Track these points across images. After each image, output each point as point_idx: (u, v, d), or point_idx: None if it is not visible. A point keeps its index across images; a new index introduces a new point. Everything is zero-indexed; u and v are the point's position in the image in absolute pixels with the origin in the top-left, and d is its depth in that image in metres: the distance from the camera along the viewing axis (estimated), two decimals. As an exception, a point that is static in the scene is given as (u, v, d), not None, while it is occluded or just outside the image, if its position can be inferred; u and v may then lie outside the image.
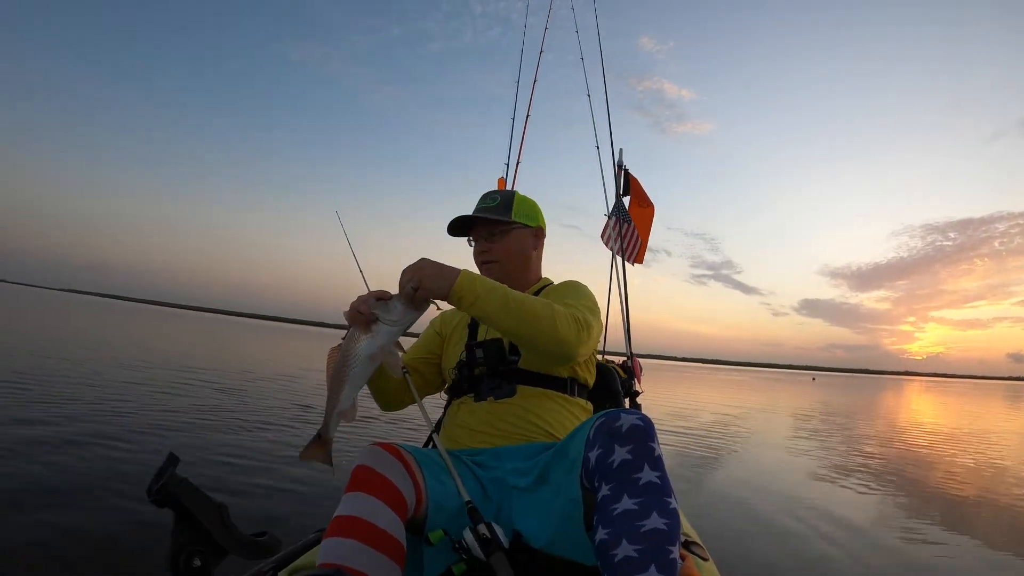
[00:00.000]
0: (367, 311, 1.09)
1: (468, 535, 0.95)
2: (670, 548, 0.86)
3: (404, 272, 1.09)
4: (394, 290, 1.10)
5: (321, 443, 1.11)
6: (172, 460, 1.13)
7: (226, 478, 3.33)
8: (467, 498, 1.02)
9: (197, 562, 1.10)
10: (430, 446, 1.37)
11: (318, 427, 1.13)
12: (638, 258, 3.30)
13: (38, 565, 2.06)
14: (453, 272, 1.09)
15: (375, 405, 1.40)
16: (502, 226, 1.39)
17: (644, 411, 1.19)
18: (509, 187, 3.11)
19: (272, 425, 5.21)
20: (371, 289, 1.16)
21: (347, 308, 1.12)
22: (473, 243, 1.43)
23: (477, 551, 0.93)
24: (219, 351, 15.54)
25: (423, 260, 1.10)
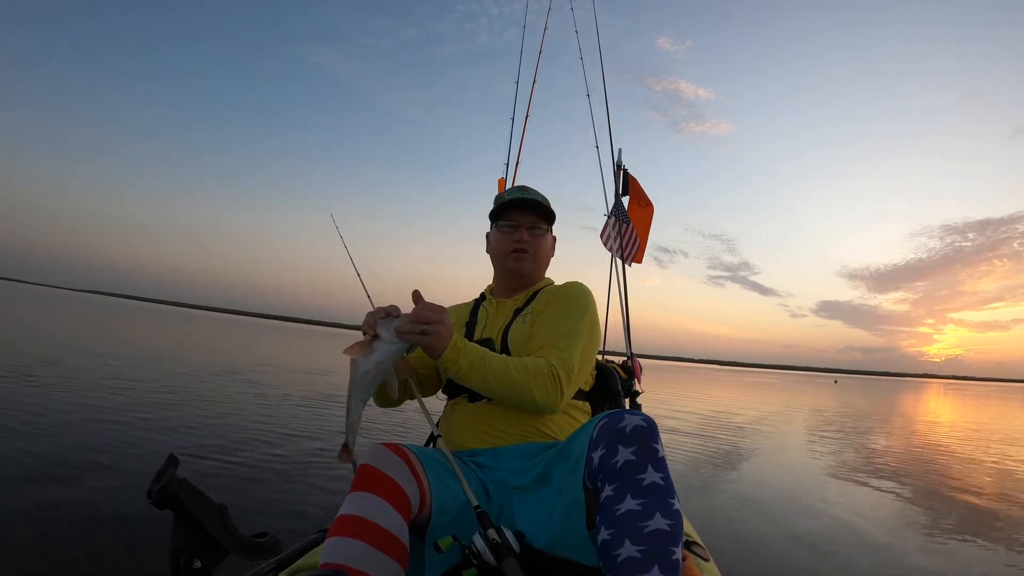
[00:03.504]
0: (370, 326, 1.10)
1: (478, 540, 0.95)
2: (673, 549, 0.86)
3: (428, 311, 1.09)
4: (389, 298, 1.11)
5: (346, 451, 1.14)
6: (172, 461, 1.13)
7: (226, 479, 3.33)
8: (475, 503, 1.02)
9: (197, 563, 1.09)
10: (431, 446, 1.36)
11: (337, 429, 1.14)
12: (636, 258, 3.30)
13: (37, 566, 2.05)
14: (448, 339, 1.12)
15: (376, 405, 1.40)
16: (548, 224, 1.44)
17: (645, 411, 1.19)
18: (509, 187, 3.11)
19: (273, 425, 5.20)
20: (368, 291, 1.15)
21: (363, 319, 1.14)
22: (507, 227, 1.42)
23: (488, 556, 0.93)
24: (224, 351, 15.48)
25: (446, 313, 1.12)
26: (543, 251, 1.44)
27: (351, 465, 1.13)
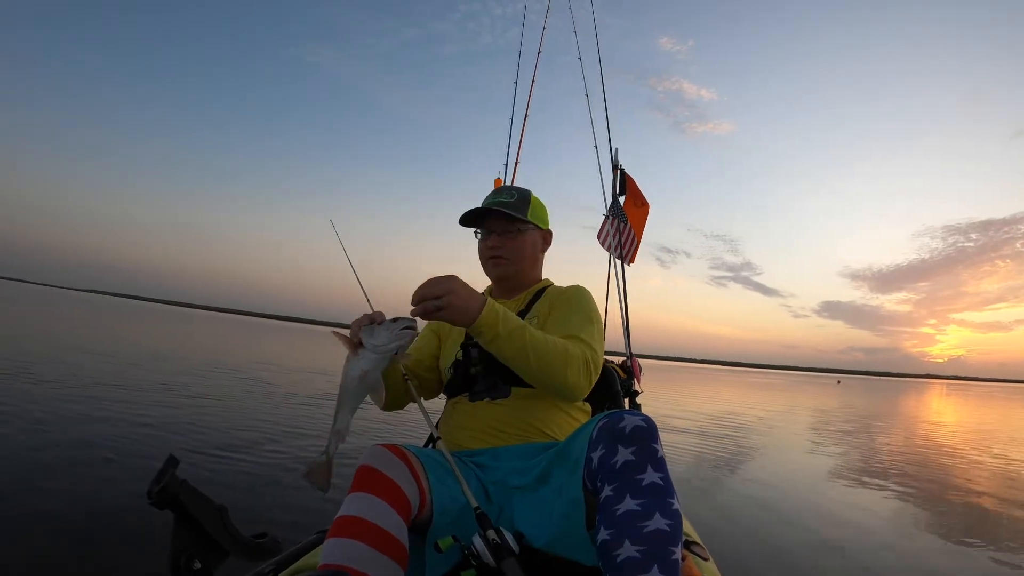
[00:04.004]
0: (354, 334, 1.09)
1: (478, 541, 0.95)
2: (673, 549, 0.86)
3: (431, 285, 1.03)
4: (386, 306, 1.09)
5: (322, 464, 1.08)
6: (172, 462, 1.13)
7: (226, 479, 3.33)
8: (475, 504, 1.02)
9: (197, 564, 1.10)
10: (430, 447, 1.36)
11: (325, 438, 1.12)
12: (630, 258, 3.30)
13: (36, 566, 2.05)
14: (479, 300, 1.06)
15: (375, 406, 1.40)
16: (519, 224, 1.39)
17: (644, 411, 1.19)
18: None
19: (273, 426, 5.20)
20: (367, 295, 1.14)
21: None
22: (480, 235, 1.42)
23: (488, 557, 0.93)
24: (224, 350, 15.47)
25: (454, 280, 1.05)
26: (522, 252, 1.40)
27: (323, 491, 1.07)
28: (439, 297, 1.03)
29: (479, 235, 1.42)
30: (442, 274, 1.06)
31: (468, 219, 1.41)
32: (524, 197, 1.42)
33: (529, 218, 1.39)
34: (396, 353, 1.10)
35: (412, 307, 1.05)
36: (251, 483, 3.32)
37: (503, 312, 1.08)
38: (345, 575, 0.84)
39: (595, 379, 1.19)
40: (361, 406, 1.14)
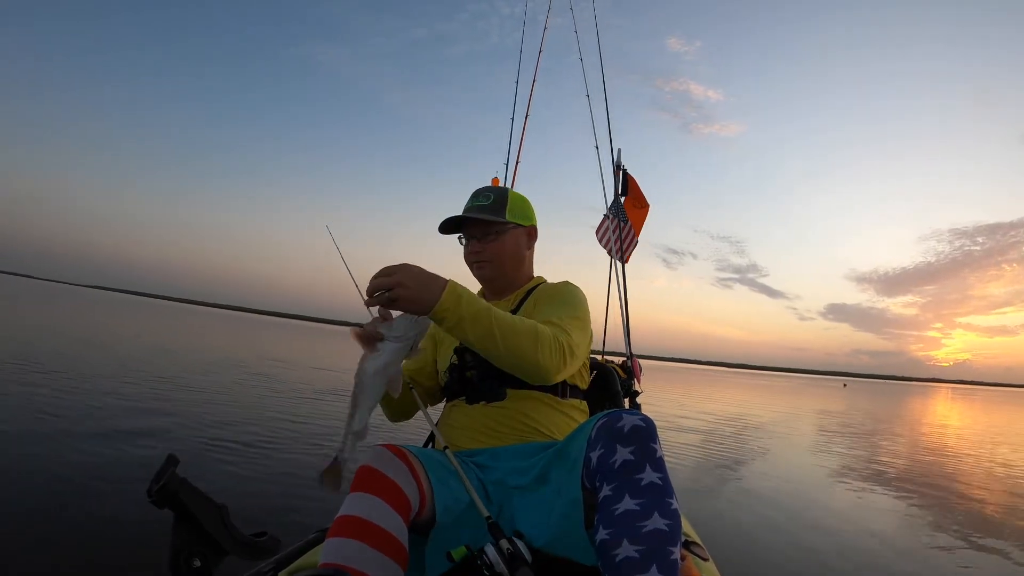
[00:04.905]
0: (372, 330, 1.07)
1: (491, 551, 0.94)
2: (671, 549, 0.86)
3: (381, 273, 0.99)
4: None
5: (335, 467, 1.07)
6: (172, 461, 1.13)
7: (226, 477, 3.33)
8: (486, 513, 1.01)
9: (197, 563, 1.10)
10: (430, 446, 1.37)
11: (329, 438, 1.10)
12: (627, 257, 3.30)
13: (36, 564, 2.05)
14: (438, 285, 1.00)
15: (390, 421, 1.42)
16: (496, 226, 1.37)
17: (644, 412, 1.19)
18: (509, 186, 3.11)
19: (275, 424, 5.20)
20: (364, 296, 1.14)
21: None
22: (464, 242, 1.42)
23: (501, 567, 0.92)
24: (226, 347, 15.47)
25: (403, 269, 0.99)
26: (504, 253, 1.38)
27: (335, 491, 1.04)
28: (389, 288, 0.98)
29: (462, 241, 1.42)
30: (399, 262, 1.02)
31: (449, 227, 1.40)
32: (501, 196, 1.40)
33: (508, 217, 1.37)
34: (413, 346, 1.08)
35: (366, 298, 1.01)
36: (251, 482, 3.33)
37: (466, 295, 1.03)
38: (345, 574, 0.85)
39: (572, 363, 1.15)
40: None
